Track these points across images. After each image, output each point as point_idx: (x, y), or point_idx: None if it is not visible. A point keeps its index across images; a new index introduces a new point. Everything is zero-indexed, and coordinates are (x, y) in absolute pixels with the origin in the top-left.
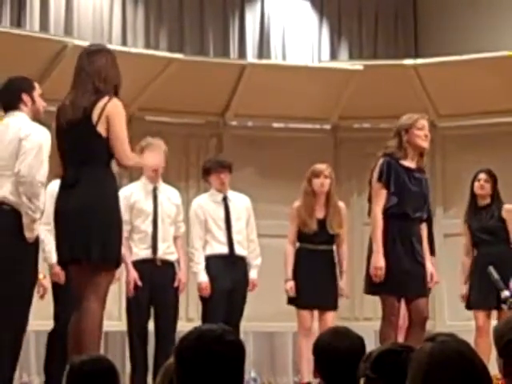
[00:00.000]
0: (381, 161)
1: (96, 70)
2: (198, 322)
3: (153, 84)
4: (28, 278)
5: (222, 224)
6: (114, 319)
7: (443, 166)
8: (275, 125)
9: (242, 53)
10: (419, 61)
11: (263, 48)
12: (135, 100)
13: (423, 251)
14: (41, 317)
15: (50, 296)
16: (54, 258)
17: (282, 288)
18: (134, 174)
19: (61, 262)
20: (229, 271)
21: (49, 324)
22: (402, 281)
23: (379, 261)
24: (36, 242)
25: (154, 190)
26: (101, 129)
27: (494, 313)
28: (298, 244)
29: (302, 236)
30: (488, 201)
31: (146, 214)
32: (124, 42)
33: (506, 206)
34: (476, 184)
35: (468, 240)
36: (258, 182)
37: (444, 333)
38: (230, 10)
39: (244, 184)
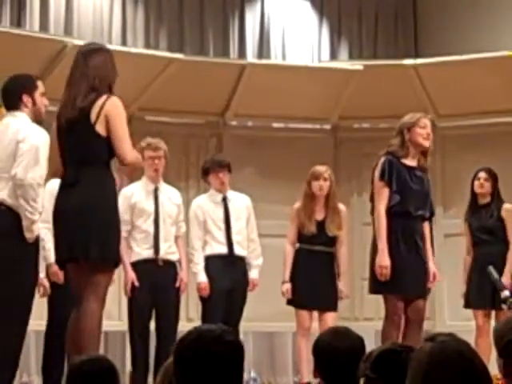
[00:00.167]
0: (382, 159)
1: (91, 69)
2: (197, 322)
3: (153, 84)
4: (29, 278)
5: (222, 224)
6: (114, 319)
7: (443, 166)
8: (275, 125)
9: (241, 53)
10: (419, 61)
11: (263, 48)
12: (135, 100)
13: (426, 250)
14: (41, 317)
15: None
16: (52, 256)
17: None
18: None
19: (59, 260)
20: (228, 271)
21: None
22: (405, 280)
23: (384, 259)
24: (36, 241)
25: (155, 190)
26: (99, 128)
27: (494, 313)
28: (297, 245)
29: (301, 237)
30: (488, 199)
31: (147, 214)
32: (124, 42)
33: (506, 206)
34: (476, 183)
35: (468, 239)
36: (257, 182)
37: (444, 333)
38: (230, 9)
39: (244, 184)
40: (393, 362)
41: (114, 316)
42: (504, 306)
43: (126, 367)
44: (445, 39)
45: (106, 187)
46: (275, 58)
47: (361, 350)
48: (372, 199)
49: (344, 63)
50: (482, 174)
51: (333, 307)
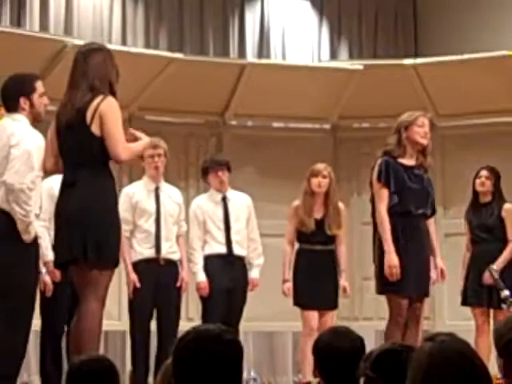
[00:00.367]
0: (379, 161)
1: (91, 69)
2: (197, 322)
3: (153, 84)
4: (30, 278)
5: (221, 224)
6: (114, 319)
7: (443, 166)
8: (275, 125)
9: (241, 52)
10: (419, 60)
11: (263, 48)
12: (135, 99)
13: (431, 247)
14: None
15: None
16: (50, 255)
17: (281, 287)
18: (134, 174)
19: (61, 262)
20: (227, 271)
21: None
22: (410, 280)
23: (393, 259)
24: (35, 241)
25: (156, 190)
26: (95, 129)
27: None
28: (297, 245)
29: (300, 236)
30: (489, 198)
31: (148, 214)
32: (124, 42)
33: (506, 206)
34: (477, 181)
35: (468, 236)
36: (257, 182)
37: (444, 332)
38: (230, 9)
39: (244, 184)
40: (393, 361)
41: (114, 316)
42: (504, 306)
43: (126, 367)
44: (445, 39)
45: (104, 188)
46: (275, 58)
47: (361, 349)
48: (372, 200)
49: (344, 63)
50: (484, 173)
51: (334, 306)
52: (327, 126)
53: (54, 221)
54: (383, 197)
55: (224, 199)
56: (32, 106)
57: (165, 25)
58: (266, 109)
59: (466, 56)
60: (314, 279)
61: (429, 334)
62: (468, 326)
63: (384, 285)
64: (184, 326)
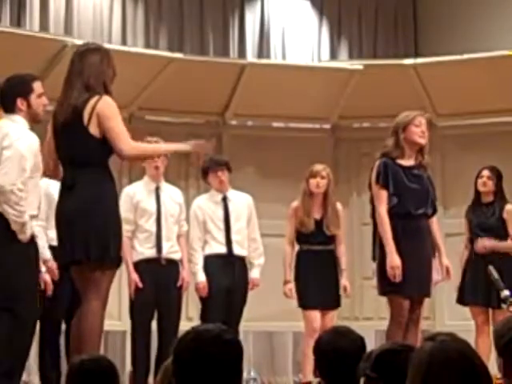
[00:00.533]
0: (377, 162)
1: (86, 68)
2: (197, 321)
3: (153, 83)
4: (31, 277)
5: (221, 224)
6: (114, 319)
7: (442, 166)
8: (275, 124)
9: (241, 52)
10: (419, 60)
11: (263, 48)
12: (135, 99)
13: (436, 246)
14: None
15: None
16: (48, 253)
17: (282, 288)
18: (134, 174)
19: (63, 263)
20: (227, 271)
21: None
22: (412, 281)
23: (394, 260)
24: (32, 240)
25: (157, 190)
26: (93, 129)
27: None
28: (297, 246)
29: (300, 236)
30: (491, 198)
31: (149, 214)
32: (124, 42)
33: (508, 207)
34: (479, 181)
35: (466, 234)
36: (257, 182)
37: (444, 332)
38: (230, 9)
39: (244, 183)
40: (393, 361)
41: (114, 316)
42: (504, 306)
43: (125, 367)
44: (444, 39)
45: (103, 188)
46: (275, 58)
47: (362, 349)
48: (372, 201)
49: (344, 63)
50: (486, 173)
51: (336, 305)
52: (327, 126)
53: (55, 223)
54: (382, 198)
55: (224, 199)
56: (29, 106)
57: (165, 25)
58: (266, 109)
59: (465, 56)
60: (316, 279)
61: (429, 334)
62: (468, 326)
63: (386, 286)
64: (184, 325)
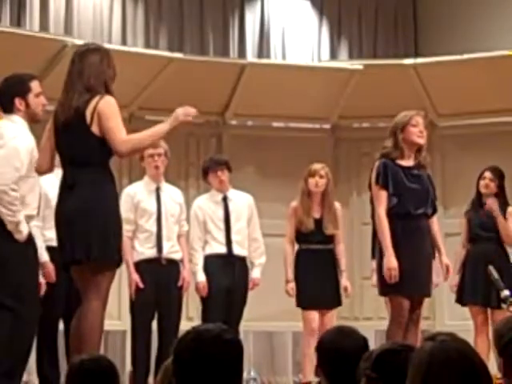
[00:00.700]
0: (377, 163)
1: (86, 68)
2: (197, 321)
3: (153, 83)
4: (31, 277)
5: (221, 224)
6: (114, 319)
7: (442, 166)
8: (275, 124)
9: (241, 52)
10: (419, 60)
11: (263, 47)
12: (135, 99)
13: (436, 245)
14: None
15: None
16: (45, 255)
17: (282, 288)
18: (133, 174)
19: (64, 264)
20: (227, 271)
21: None
22: (411, 281)
23: (391, 262)
24: (29, 239)
25: (157, 190)
26: (95, 129)
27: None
28: (297, 245)
29: (299, 236)
30: None
31: (149, 214)
32: (124, 42)
33: (510, 210)
34: (481, 182)
35: (464, 234)
36: (257, 182)
37: (444, 332)
38: (230, 9)
39: (244, 183)
40: (393, 361)
41: (114, 316)
42: (504, 306)
43: (126, 367)
44: (444, 39)
45: (104, 188)
46: (275, 58)
47: (365, 349)
48: (372, 201)
49: (344, 63)
50: (488, 174)
51: (336, 304)
52: (327, 126)
53: (55, 223)
54: (382, 199)
55: (225, 199)
56: (28, 106)
57: (165, 25)
58: (266, 109)
59: (465, 56)
60: (316, 279)
61: (429, 334)
62: (467, 326)
63: (386, 286)
64: (184, 325)
